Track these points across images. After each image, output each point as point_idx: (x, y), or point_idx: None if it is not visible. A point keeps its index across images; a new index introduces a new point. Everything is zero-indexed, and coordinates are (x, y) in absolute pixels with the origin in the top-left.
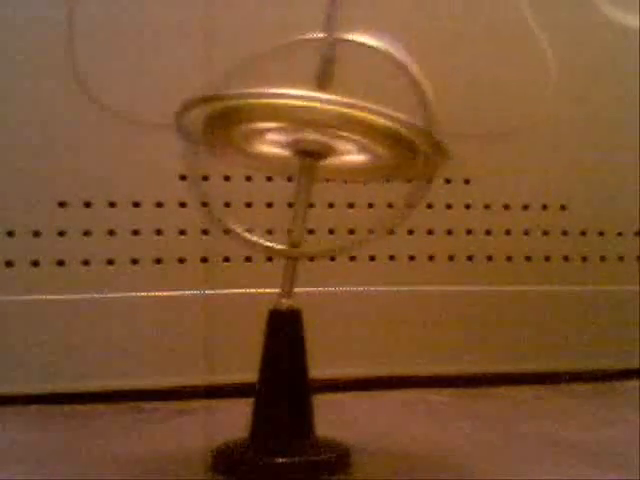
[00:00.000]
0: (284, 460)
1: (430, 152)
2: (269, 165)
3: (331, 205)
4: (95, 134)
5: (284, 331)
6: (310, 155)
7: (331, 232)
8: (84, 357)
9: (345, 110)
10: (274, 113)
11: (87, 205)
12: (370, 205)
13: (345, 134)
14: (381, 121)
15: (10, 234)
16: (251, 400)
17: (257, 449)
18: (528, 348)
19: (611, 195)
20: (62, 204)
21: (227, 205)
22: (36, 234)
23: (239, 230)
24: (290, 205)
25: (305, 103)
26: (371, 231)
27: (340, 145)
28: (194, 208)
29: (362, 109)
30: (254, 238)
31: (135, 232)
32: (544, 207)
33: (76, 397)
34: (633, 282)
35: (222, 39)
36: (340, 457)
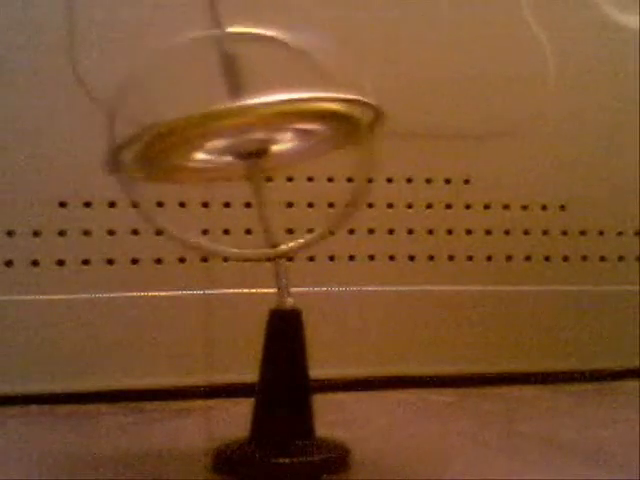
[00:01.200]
0: (284, 460)
1: (369, 119)
2: (217, 174)
3: (331, 205)
4: (95, 134)
5: (284, 331)
6: (251, 155)
7: (331, 232)
8: (84, 357)
9: (279, 108)
10: (205, 132)
11: (87, 205)
12: (370, 205)
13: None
14: (312, 106)
15: (10, 234)
16: (251, 400)
17: (257, 449)
18: (528, 348)
19: (611, 195)
20: (62, 204)
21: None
22: (36, 234)
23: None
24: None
25: (235, 118)
26: (371, 230)
27: (278, 137)
28: (194, 208)
29: (291, 102)
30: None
31: (135, 232)
32: (544, 207)
33: (76, 397)
34: (633, 282)
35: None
36: (340, 457)
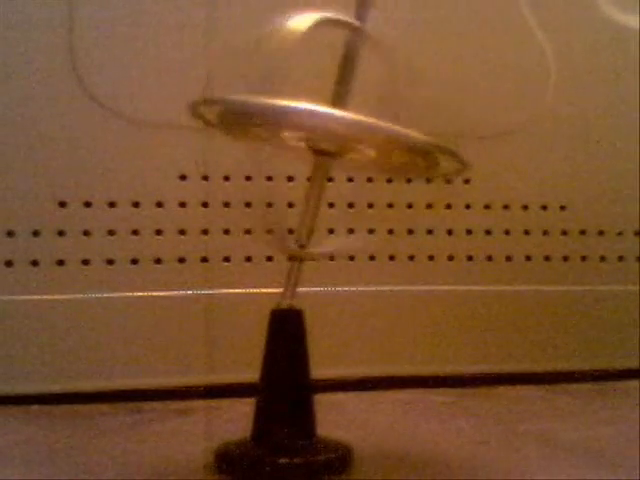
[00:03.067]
0: (285, 460)
1: (447, 160)
2: (290, 153)
3: (331, 205)
4: (95, 134)
5: (286, 331)
6: (325, 154)
7: (331, 232)
8: (84, 357)
9: (355, 128)
10: (286, 123)
11: (87, 205)
12: (370, 205)
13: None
14: (394, 138)
15: (10, 234)
16: (252, 400)
17: (258, 449)
18: (528, 348)
19: (611, 195)
20: (62, 204)
21: (226, 205)
22: (36, 234)
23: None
24: (290, 205)
25: (314, 119)
26: (371, 231)
27: (356, 146)
28: (194, 208)
29: (372, 128)
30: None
31: (135, 232)
32: (544, 207)
33: (76, 397)
34: (633, 282)
35: (223, 39)
36: (341, 457)
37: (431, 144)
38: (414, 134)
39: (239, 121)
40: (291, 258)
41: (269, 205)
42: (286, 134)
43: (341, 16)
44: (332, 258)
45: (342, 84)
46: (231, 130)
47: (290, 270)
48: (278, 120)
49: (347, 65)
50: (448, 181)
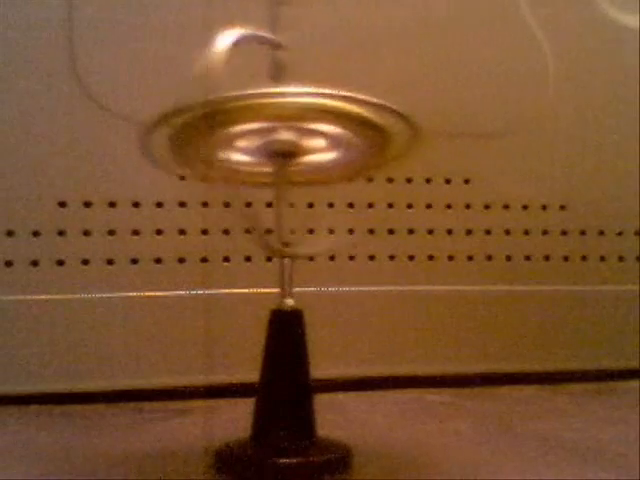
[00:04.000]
0: (286, 460)
1: (402, 132)
2: (239, 177)
3: (331, 205)
4: (95, 134)
5: (286, 331)
6: (282, 156)
7: (331, 232)
8: (84, 357)
9: (316, 100)
10: (246, 114)
11: (87, 205)
12: (370, 205)
13: (315, 126)
14: (350, 107)
15: (10, 234)
16: (251, 400)
17: (258, 449)
18: (528, 348)
19: (611, 195)
20: (62, 204)
21: (226, 205)
22: (36, 234)
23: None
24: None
25: (277, 100)
26: (371, 230)
27: (310, 142)
28: (194, 208)
29: (332, 97)
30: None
31: (135, 232)
32: (544, 207)
33: (76, 397)
34: (633, 282)
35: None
36: (341, 457)
37: (378, 103)
38: (364, 96)
39: (193, 135)
40: (277, 257)
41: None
42: (239, 144)
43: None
44: (332, 258)
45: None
46: (180, 157)
47: (280, 269)
48: (243, 111)
49: (277, 78)
50: (447, 181)
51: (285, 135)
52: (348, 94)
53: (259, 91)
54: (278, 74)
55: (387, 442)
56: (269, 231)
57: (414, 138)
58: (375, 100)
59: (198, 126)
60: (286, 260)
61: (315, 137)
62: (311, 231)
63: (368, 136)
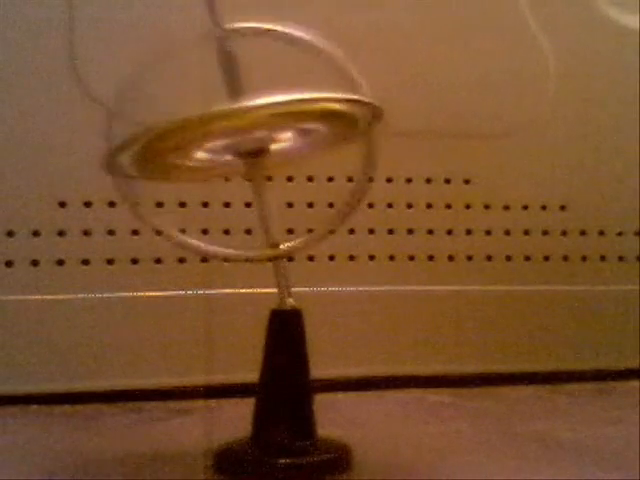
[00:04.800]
0: (286, 460)
1: (366, 116)
2: (217, 172)
3: (331, 205)
4: (95, 134)
5: (285, 331)
6: (251, 154)
7: (331, 232)
8: (84, 357)
9: (277, 109)
10: (204, 134)
11: (87, 205)
12: (370, 205)
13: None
14: (313, 106)
15: (10, 234)
16: (251, 400)
17: (258, 449)
18: (528, 348)
19: (611, 195)
20: (62, 204)
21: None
22: (36, 234)
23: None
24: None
25: (234, 120)
26: (371, 230)
27: (278, 136)
28: (194, 208)
29: (291, 104)
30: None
31: (135, 232)
32: (544, 207)
33: (76, 397)
34: (633, 282)
35: None
36: (341, 457)
37: (329, 98)
38: (324, 94)
39: (158, 152)
40: (270, 260)
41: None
42: (210, 144)
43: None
44: (332, 258)
45: (234, 85)
46: (151, 168)
47: (276, 271)
48: (201, 127)
49: (229, 66)
50: (447, 181)
51: (255, 134)
52: (295, 97)
53: (218, 110)
54: (230, 64)
55: (387, 442)
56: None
57: (376, 119)
58: (326, 94)
59: (159, 144)
60: (281, 260)
61: (284, 131)
62: (311, 231)
63: (335, 124)
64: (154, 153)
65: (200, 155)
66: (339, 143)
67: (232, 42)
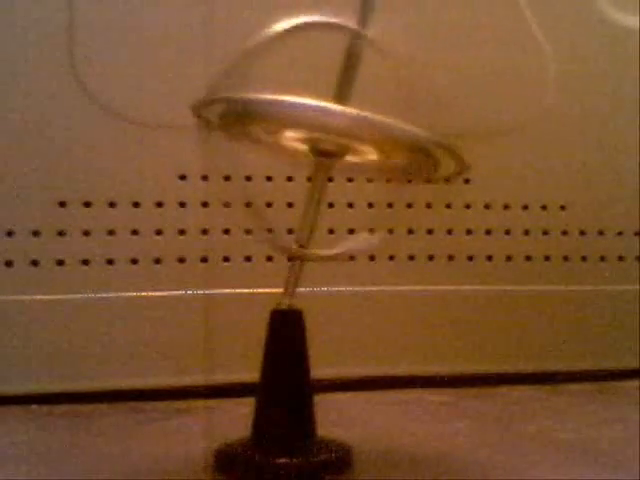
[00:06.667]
0: (286, 460)
1: (448, 162)
2: (287, 157)
3: (331, 205)
4: (95, 134)
5: (286, 331)
6: (326, 155)
7: (331, 232)
8: (84, 357)
9: (359, 124)
10: (289, 121)
11: (87, 205)
12: (370, 205)
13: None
14: (397, 134)
15: (10, 234)
16: (251, 400)
17: (258, 449)
18: (528, 348)
19: (611, 195)
20: (62, 204)
21: (226, 205)
22: (36, 234)
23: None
24: (290, 205)
25: (318, 115)
26: (371, 231)
27: (357, 146)
28: (194, 208)
29: (376, 124)
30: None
31: (135, 232)
32: (544, 207)
33: (76, 397)
34: (633, 282)
35: (223, 39)
36: (341, 457)
37: (430, 140)
38: (415, 129)
39: (241, 121)
40: (291, 258)
41: (269, 205)
42: (287, 134)
43: (338, 19)
44: (332, 258)
45: (344, 85)
46: (232, 131)
47: (290, 270)
48: (280, 117)
49: (349, 67)
50: (448, 180)
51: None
52: (389, 121)
53: (295, 101)
54: (352, 64)
55: (387, 442)
56: (270, 230)
57: (459, 170)
58: (428, 134)
59: (242, 116)
60: (298, 262)
61: (367, 145)
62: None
63: (416, 158)
64: (239, 118)
65: (279, 139)
66: (411, 177)
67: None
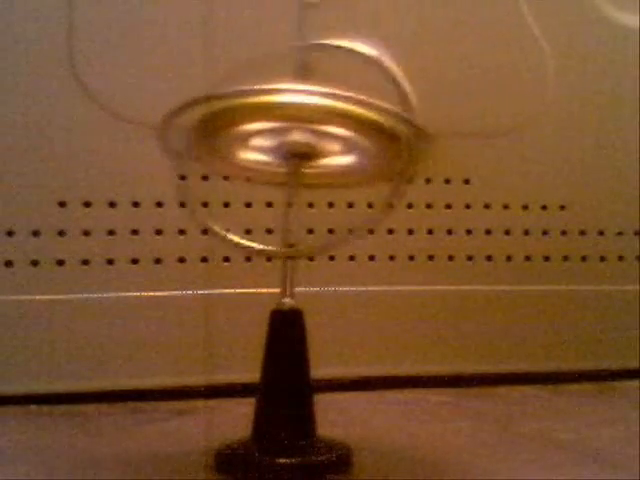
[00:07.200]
0: (286, 460)
1: (412, 140)
2: (255, 174)
3: (331, 205)
4: (95, 134)
5: (286, 331)
6: (297, 157)
7: (330, 231)
8: (84, 357)
9: (329, 101)
10: (261, 111)
11: (87, 205)
12: (370, 205)
13: (329, 129)
14: (363, 111)
15: (10, 234)
16: (251, 400)
17: (259, 449)
18: (528, 348)
19: (611, 195)
20: (62, 204)
21: (226, 205)
22: (36, 234)
23: (232, 236)
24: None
25: (290, 97)
26: (371, 231)
27: (325, 145)
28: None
29: (345, 99)
30: (246, 242)
31: (135, 232)
32: (544, 207)
33: (76, 397)
34: (633, 282)
35: (222, 39)
36: (342, 457)
37: (391, 112)
38: (377, 103)
39: (209, 130)
40: (281, 258)
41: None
42: (256, 142)
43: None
44: (332, 258)
45: None
46: (197, 149)
47: (283, 269)
48: (252, 106)
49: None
50: (447, 181)
51: (300, 136)
52: (361, 98)
53: (265, 87)
54: (304, 74)
55: (387, 442)
56: (270, 231)
57: (424, 146)
58: (387, 106)
59: (209, 122)
60: (289, 260)
61: (330, 140)
62: (311, 231)
63: (381, 142)
64: (202, 131)
65: (247, 155)
66: (386, 166)
67: (311, 56)
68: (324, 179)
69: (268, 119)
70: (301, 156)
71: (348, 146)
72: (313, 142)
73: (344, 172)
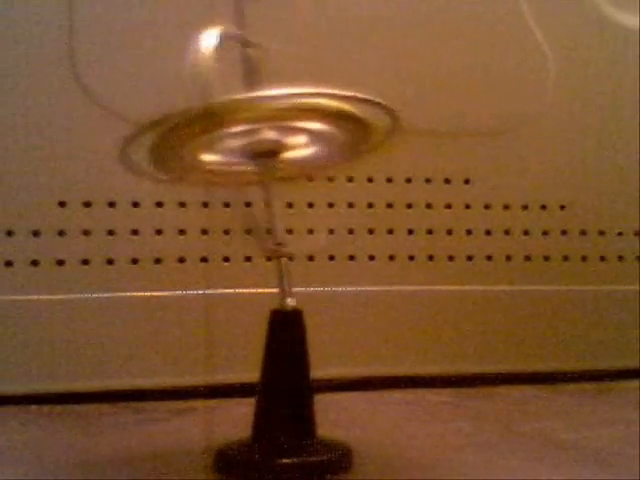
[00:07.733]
0: (286, 460)
1: (383, 123)
2: (222, 179)
3: (331, 205)
4: (95, 134)
5: (286, 331)
6: (265, 155)
7: (331, 232)
8: (84, 357)
9: (295, 100)
10: (228, 119)
11: (87, 205)
12: (370, 205)
13: (297, 125)
14: (332, 103)
15: (10, 234)
16: (251, 400)
17: (259, 449)
18: (528, 348)
19: (611, 195)
20: (62, 204)
21: (226, 205)
22: (36, 234)
23: None
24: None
25: (258, 103)
26: (371, 231)
27: (291, 140)
28: (194, 208)
29: (309, 95)
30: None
31: (135, 232)
32: (544, 207)
33: (76, 397)
34: (633, 282)
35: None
36: (342, 457)
37: (355, 98)
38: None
39: (175, 142)
40: (271, 257)
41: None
42: (227, 143)
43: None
44: (332, 258)
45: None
46: (162, 162)
47: (278, 269)
48: (225, 116)
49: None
50: (447, 181)
51: (267, 135)
52: (323, 91)
53: (241, 97)
54: (252, 75)
55: (387, 442)
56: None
57: (393, 126)
58: (350, 93)
59: (178, 133)
60: (283, 260)
61: (297, 134)
62: (311, 231)
63: (349, 129)
64: (168, 142)
65: (214, 157)
66: (356, 153)
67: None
68: (292, 171)
69: (234, 125)
70: (269, 154)
71: (315, 137)
72: (280, 138)
73: (311, 162)
